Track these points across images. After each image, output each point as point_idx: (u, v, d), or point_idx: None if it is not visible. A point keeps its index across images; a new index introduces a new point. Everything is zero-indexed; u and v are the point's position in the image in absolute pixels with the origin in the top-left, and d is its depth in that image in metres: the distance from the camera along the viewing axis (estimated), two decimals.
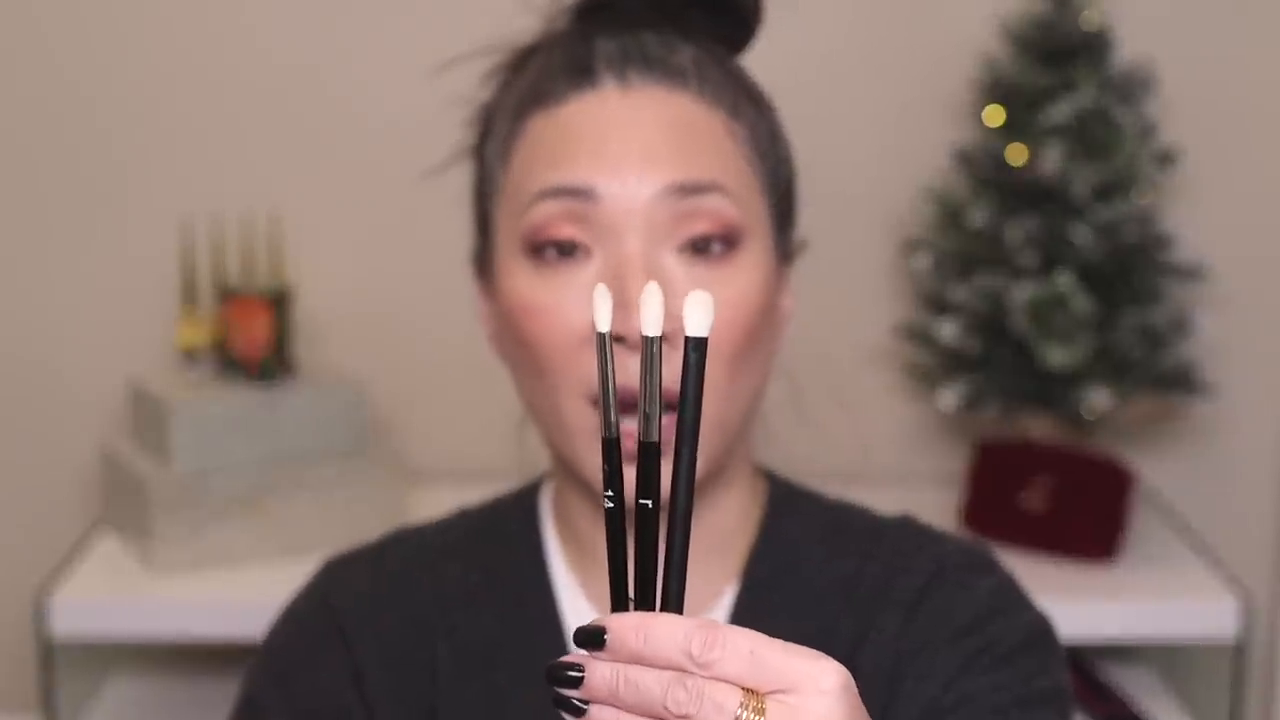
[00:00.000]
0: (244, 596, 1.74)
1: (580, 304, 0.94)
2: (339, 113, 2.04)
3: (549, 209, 0.94)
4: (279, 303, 1.85)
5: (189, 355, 1.91)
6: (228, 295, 1.86)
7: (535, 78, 0.99)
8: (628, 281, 0.91)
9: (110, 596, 1.77)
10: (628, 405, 0.89)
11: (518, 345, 0.97)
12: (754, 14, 1.03)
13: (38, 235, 2.07)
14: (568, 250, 0.94)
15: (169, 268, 1.98)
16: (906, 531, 1.06)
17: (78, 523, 2.06)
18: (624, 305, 0.89)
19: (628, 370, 0.90)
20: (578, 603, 1.03)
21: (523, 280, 0.96)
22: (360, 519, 1.86)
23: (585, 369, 0.94)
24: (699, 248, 0.93)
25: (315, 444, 1.86)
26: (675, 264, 0.93)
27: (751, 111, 1.00)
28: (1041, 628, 1.02)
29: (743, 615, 1.01)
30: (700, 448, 0.92)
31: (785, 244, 1.02)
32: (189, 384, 1.87)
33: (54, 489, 2.10)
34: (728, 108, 0.98)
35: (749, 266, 0.95)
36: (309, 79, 2.04)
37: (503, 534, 1.07)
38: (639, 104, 0.96)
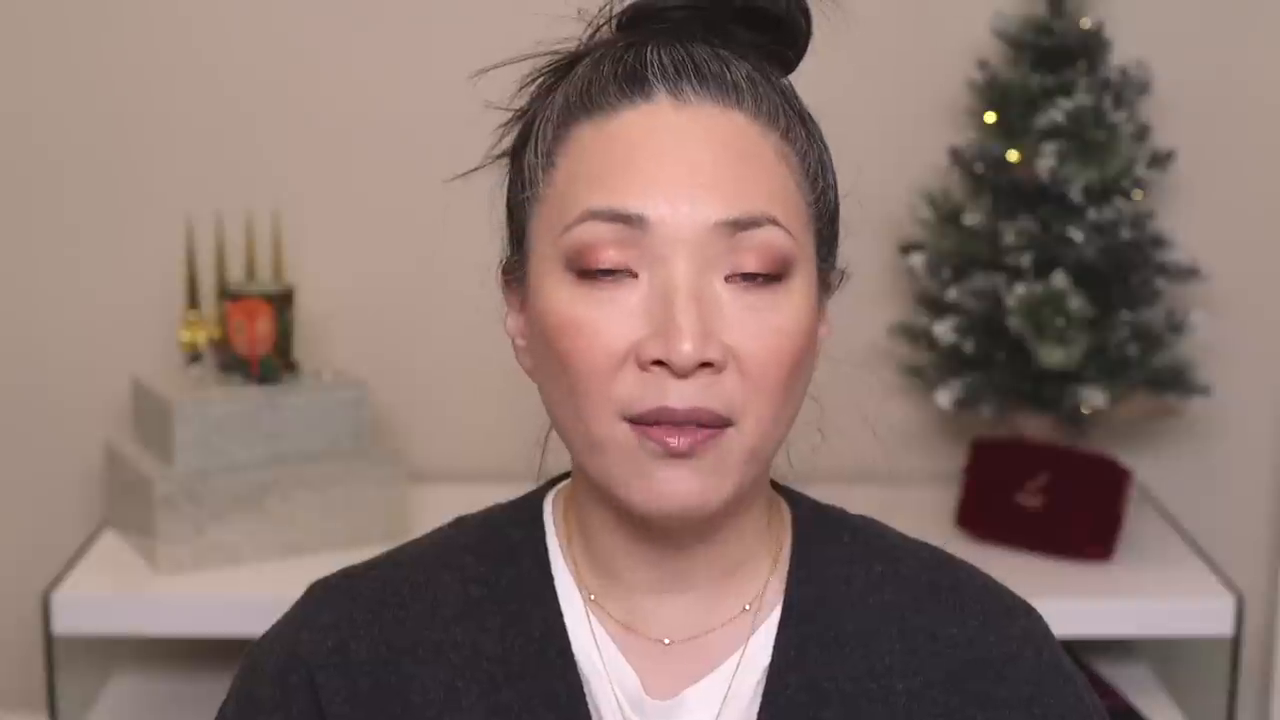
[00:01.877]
0: (246, 594, 1.75)
1: (621, 324, 0.91)
2: (341, 114, 2.05)
3: (597, 230, 0.91)
4: (281, 303, 1.86)
5: (192, 355, 1.92)
6: (230, 295, 1.87)
7: (584, 85, 0.95)
8: (675, 307, 0.89)
9: (114, 594, 1.78)
10: (670, 426, 0.89)
11: (552, 362, 0.94)
12: (802, 31, 1.00)
13: (41, 235, 2.08)
14: (610, 270, 0.91)
15: (172, 268, 1.99)
16: (959, 577, 1.06)
17: (82, 521, 2.06)
18: (669, 331, 0.88)
19: (668, 394, 0.89)
20: (583, 618, 1.01)
21: (563, 296, 0.93)
22: (360, 519, 1.87)
23: (621, 389, 0.90)
24: (747, 274, 0.92)
25: (316, 443, 1.86)
26: (723, 290, 0.91)
27: (803, 135, 0.98)
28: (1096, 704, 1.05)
29: (786, 650, 1.00)
30: (733, 475, 0.92)
31: (826, 274, 1.00)
32: (191, 383, 1.88)
33: (59, 488, 2.11)
34: (781, 129, 0.95)
35: (796, 295, 0.94)
36: (312, 80, 2.05)
37: (504, 545, 1.05)
38: (693, 121, 0.93)
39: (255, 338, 1.85)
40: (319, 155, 2.06)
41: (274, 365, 1.86)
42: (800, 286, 0.94)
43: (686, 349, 0.88)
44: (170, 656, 2.00)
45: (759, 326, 0.91)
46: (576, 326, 0.91)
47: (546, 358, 0.95)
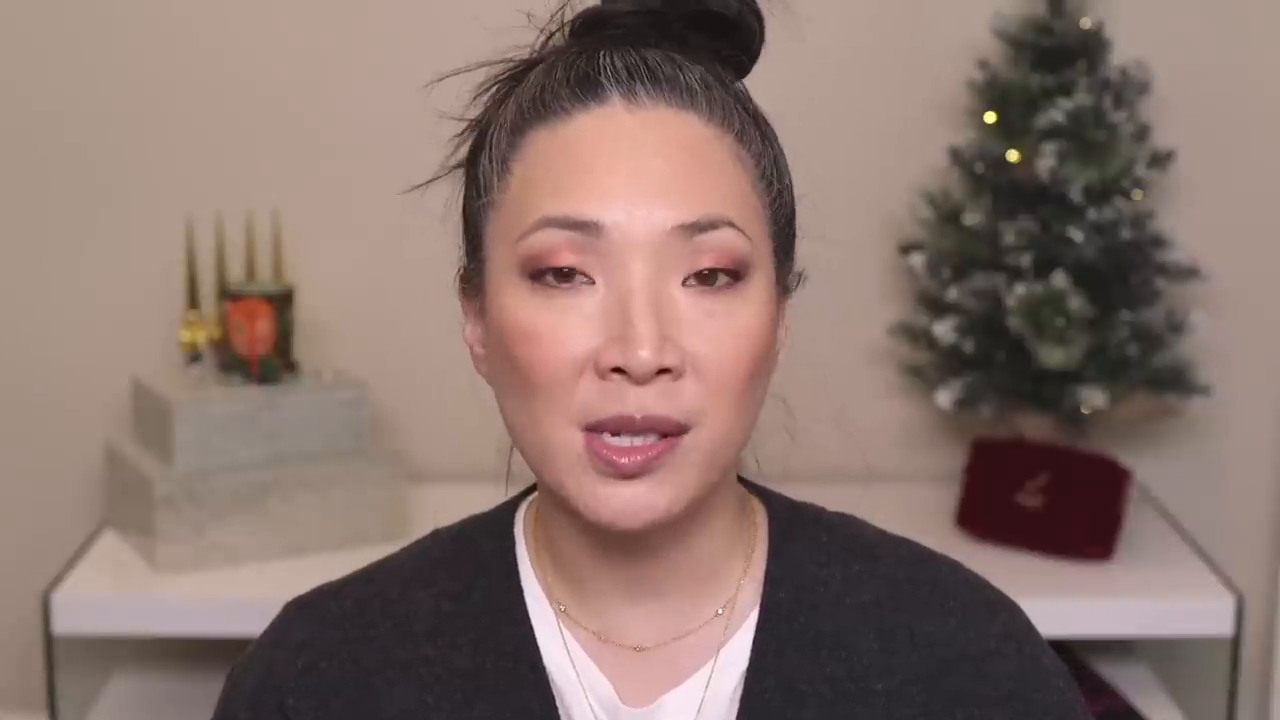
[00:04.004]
0: (246, 594, 1.75)
1: (579, 331, 0.90)
2: (340, 114, 2.05)
3: (552, 237, 0.91)
4: (281, 303, 1.87)
5: (192, 355, 1.92)
6: (230, 295, 1.87)
7: (537, 90, 0.95)
8: (633, 314, 0.88)
9: (114, 594, 1.78)
10: (626, 436, 0.89)
11: (509, 369, 0.93)
12: (755, 36, 1.00)
13: (43, 235, 2.08)
14: (568, 276, 0.91)
15: (172, 268, 2.00)
16: (940, 573, 1.05)
17: (83, 521, 2.07)
18: (627, 338, 0.88)
19: (628, 401, 0.89)
20: (555, 630, 1.01)
21: (519, 303, 0.92)
22: (360, 519, 1.87)
23: (579, 396, 0.90)
24: (705, 277, 0.91)
25: (316, 443, 1.87)
26: (681, 296, 0.91)
27: (757, 137, 0.97)
28: (1072, 685, 1.05)
29: (764, 653, 1.00)
30: (692, 480, 0.91)
31: (784, 276, 0.99)
32: (191, 383, 1.88)
33: (59, 488, 2.11)
34: (735, 131, 0.95)
35: (754, 299, 0.93)
36: (311, 81, 2.05)
37: (476, 558, 1.05)
38: (647, 124, 0.93)
39: (255, 338, 1.85)
40: (319, 155, 2.06)
41: (274, 365, 1.86)
42: (757, 290, 0.94)
43: (644, 355, 0.87)
44: (170, 656, 2.00)
45: (717, 331, 0.91)
46: (534, 334, 0.91)
47: (504, 365, 0.94)
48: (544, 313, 0.91)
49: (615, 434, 0.90)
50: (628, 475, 0.90)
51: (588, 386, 0.90)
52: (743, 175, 0.95)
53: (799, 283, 1.02)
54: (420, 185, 1.05)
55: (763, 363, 0.95)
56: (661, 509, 0.91)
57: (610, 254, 0.90)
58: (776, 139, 0.99)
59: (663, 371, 0.89)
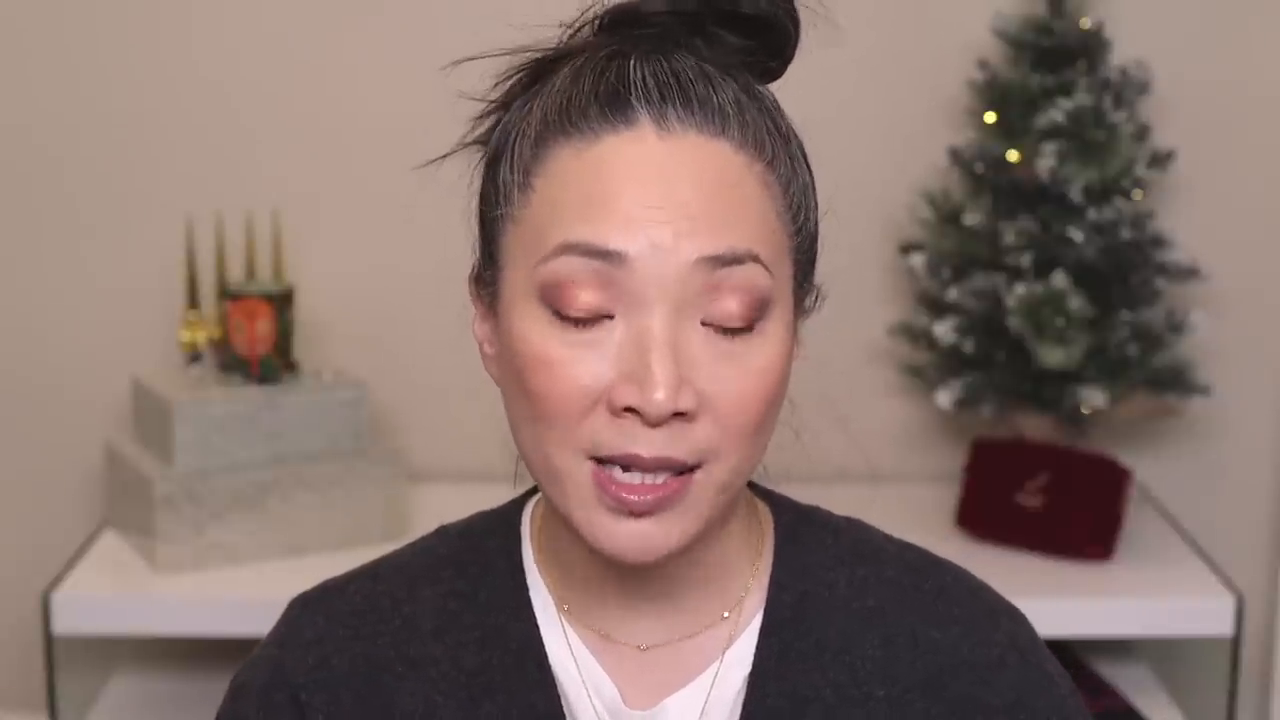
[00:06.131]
0: (246, 594, 1.75)
1: (594, 365, 0.89)
2: (341, 113, 2.05)
3: (574, 265, 0.89)
4: (281, 303, 1.87)
5: (192, 355, 1.92)
6: (230, 295, 1.87)
7: (562, 100, 0.92)
8: (650, 356, 0.87)
9: (114, 594, 1.78)
10: (635, 473, 0.89)
11: (519, 391, 0.92)
12: (790, 37, 0.97)
13: (42, 235, 2.08)
14: (588, 320, 0.89)
15: (172, 268, 2.00)
16: (946, 580, 1.04)
17: (83, 521, 2.07)
18: (644, 380, 0.87)
19: (639, 441, 0.88)
20: (559, 629, 1.01)
21: (535, 328, 0.90)
22: (360, 519, 1.87)
23: (589, 429, 0.89)
24: (725, 329, 0.90)
25: (316, 443, 1.87)
26: (700, 338, 0.89)
27: (786, 160, 0.95)
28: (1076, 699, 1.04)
29: (767, 659, 1.00)
30: (702, 514, 0.91)
31: (802, 299, 0.98)
32: (191, 383, 1.88)
33: (59, 488, 2.11)
34: (766, 158, 0.93)
35: (772, 335, 0.92)
36: (312, 80, 2.05)
37: (482, 557, 1.04)
38: (676, 152, 0.90)
39: (255, 338, 1.85)
40: (319, 155, 2.06)
41: (274, 365, 1.86)
42: (775, 325, 0.92)
43: (660, 398, 0.86)
44: (170, 656, 2.00)
45: (734, 373, 0.90)
46: (548, 363, 0.89)
47: (515, 384, 0.93)
48: (560, 345, 0.90)
49: (625, 469, 0.89)
50: (637, 513, 0.89)
51: (599, 420, 0.89)
52: (770, 205, 0.93)
53: (817, 303, 1.00)
54: (434, 160, 1.01)
55: (777, 398, 0.94)
56: (671, 545, 0.91)
57: (632, 288, 0.88)
58: (806, 160, 0.97)
59: (677, 415, 0.88)
